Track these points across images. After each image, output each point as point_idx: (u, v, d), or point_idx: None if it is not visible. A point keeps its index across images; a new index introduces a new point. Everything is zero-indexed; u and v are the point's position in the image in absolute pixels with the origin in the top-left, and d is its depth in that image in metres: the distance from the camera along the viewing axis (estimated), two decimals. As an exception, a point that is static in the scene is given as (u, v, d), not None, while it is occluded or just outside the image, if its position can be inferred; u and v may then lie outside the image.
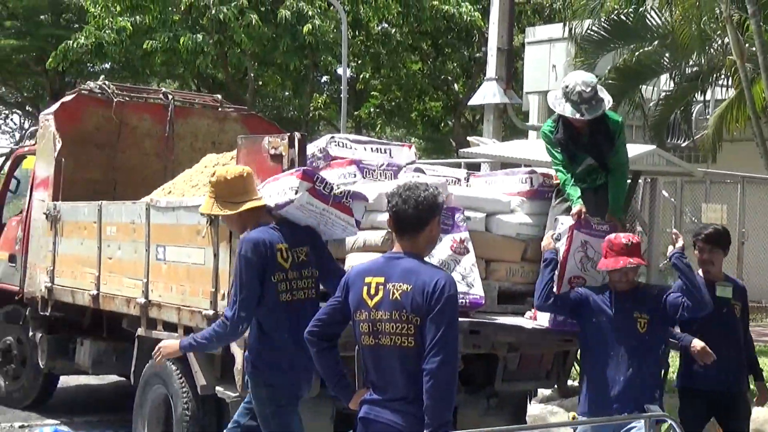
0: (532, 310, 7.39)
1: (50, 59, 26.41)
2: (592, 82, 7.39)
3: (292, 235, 6.08)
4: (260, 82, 31.55)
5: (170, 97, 11.13)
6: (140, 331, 8.37)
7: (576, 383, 10.05)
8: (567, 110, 7.33)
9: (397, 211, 4.90)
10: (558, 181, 7.82)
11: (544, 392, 10.20)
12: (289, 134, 6.86)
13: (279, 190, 6.18)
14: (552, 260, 6.93)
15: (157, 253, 8.12)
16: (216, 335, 6.08)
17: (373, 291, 4.86)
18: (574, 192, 7.40)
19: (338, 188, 6.15)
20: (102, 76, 11.65)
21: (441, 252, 7.01)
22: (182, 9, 25.61)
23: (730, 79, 13.62)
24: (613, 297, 6.53)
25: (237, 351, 6.98)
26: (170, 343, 6.47)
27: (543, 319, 7.26)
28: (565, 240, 7.10)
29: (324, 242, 6.35)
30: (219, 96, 12.20)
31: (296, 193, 5.98)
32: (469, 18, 28.97)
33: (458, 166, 12.79)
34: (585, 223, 7.16)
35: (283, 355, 6.01)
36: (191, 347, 6.36)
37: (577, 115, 7.30)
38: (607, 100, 7.45)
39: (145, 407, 8.21)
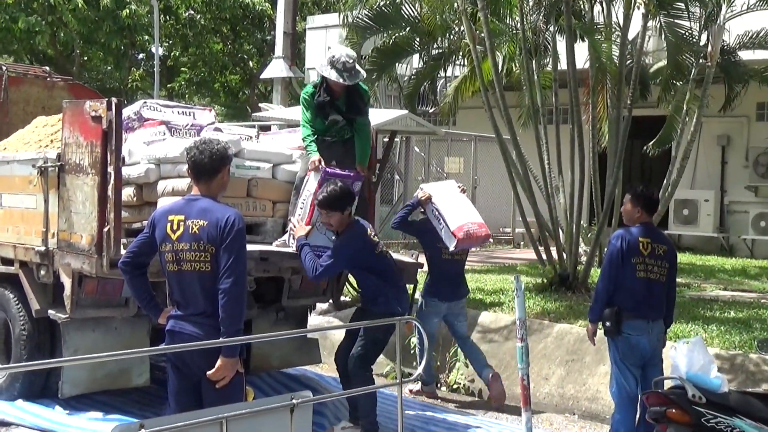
0: None
1: None
2: (353, 56, 7.42)
3: None
4: (86, 58, 30.37)
5: (4, 68, 10.55)
6: (-19, 266, 7.93)
7: (347, 299, 10.19)
8: (333, 75, 7.29)
9: (194, 161, 4.85)
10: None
11: (321, 306, 10.30)
12: (107, 99, 6.60)
13: None
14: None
15: (-5, 200, 7.71)
16: None
17: (175, 227, 4.78)
18: (313, 146, 7.33)
19: None
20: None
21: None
22: (17, -7, 24.37)
23: (465, 59, 14.02)
24: None
25: (66, 279, 6.74)
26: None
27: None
28: (316, 183, 6.99)
29: None
30: (48, 68, 11.63)
31: None
32: (260, 8, 28.94)
33: (252, 127, 12.64)
34: (331, 170, 7.07)
35: None
36: None
37: (340, 80, 7.28)
38: (362, 72, 7.51)
39: (-13, 330, 7.81)
